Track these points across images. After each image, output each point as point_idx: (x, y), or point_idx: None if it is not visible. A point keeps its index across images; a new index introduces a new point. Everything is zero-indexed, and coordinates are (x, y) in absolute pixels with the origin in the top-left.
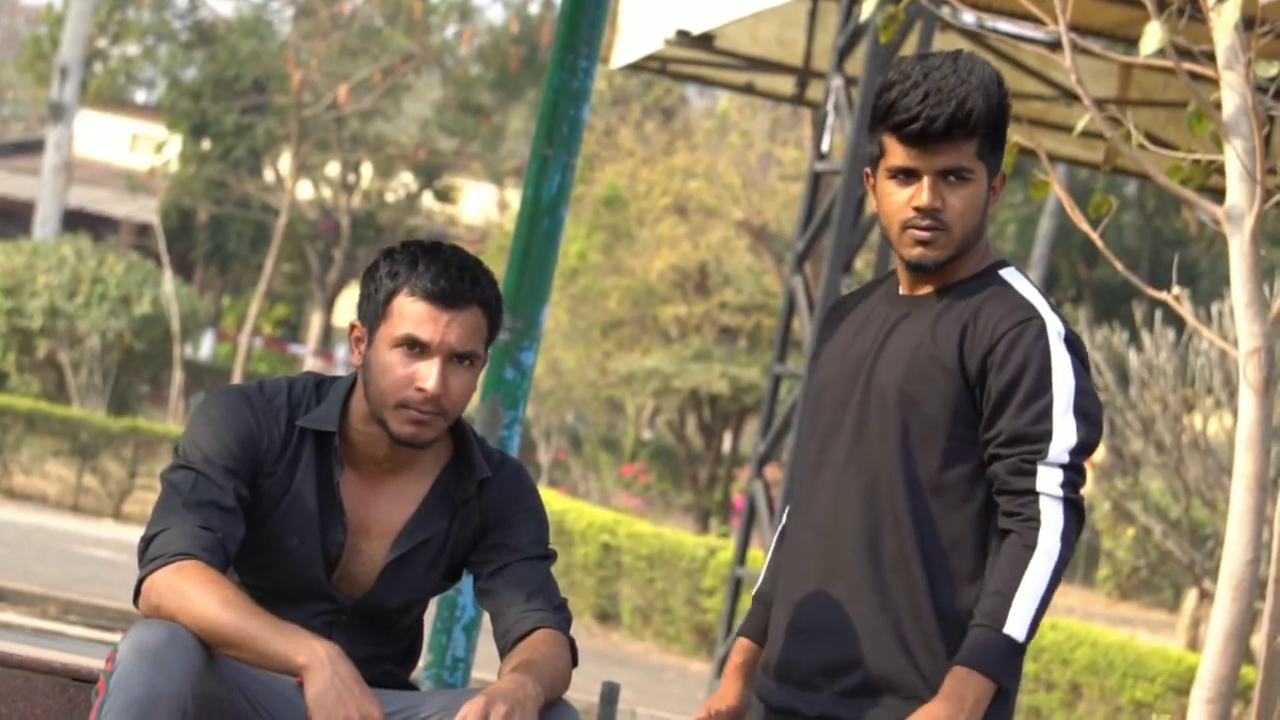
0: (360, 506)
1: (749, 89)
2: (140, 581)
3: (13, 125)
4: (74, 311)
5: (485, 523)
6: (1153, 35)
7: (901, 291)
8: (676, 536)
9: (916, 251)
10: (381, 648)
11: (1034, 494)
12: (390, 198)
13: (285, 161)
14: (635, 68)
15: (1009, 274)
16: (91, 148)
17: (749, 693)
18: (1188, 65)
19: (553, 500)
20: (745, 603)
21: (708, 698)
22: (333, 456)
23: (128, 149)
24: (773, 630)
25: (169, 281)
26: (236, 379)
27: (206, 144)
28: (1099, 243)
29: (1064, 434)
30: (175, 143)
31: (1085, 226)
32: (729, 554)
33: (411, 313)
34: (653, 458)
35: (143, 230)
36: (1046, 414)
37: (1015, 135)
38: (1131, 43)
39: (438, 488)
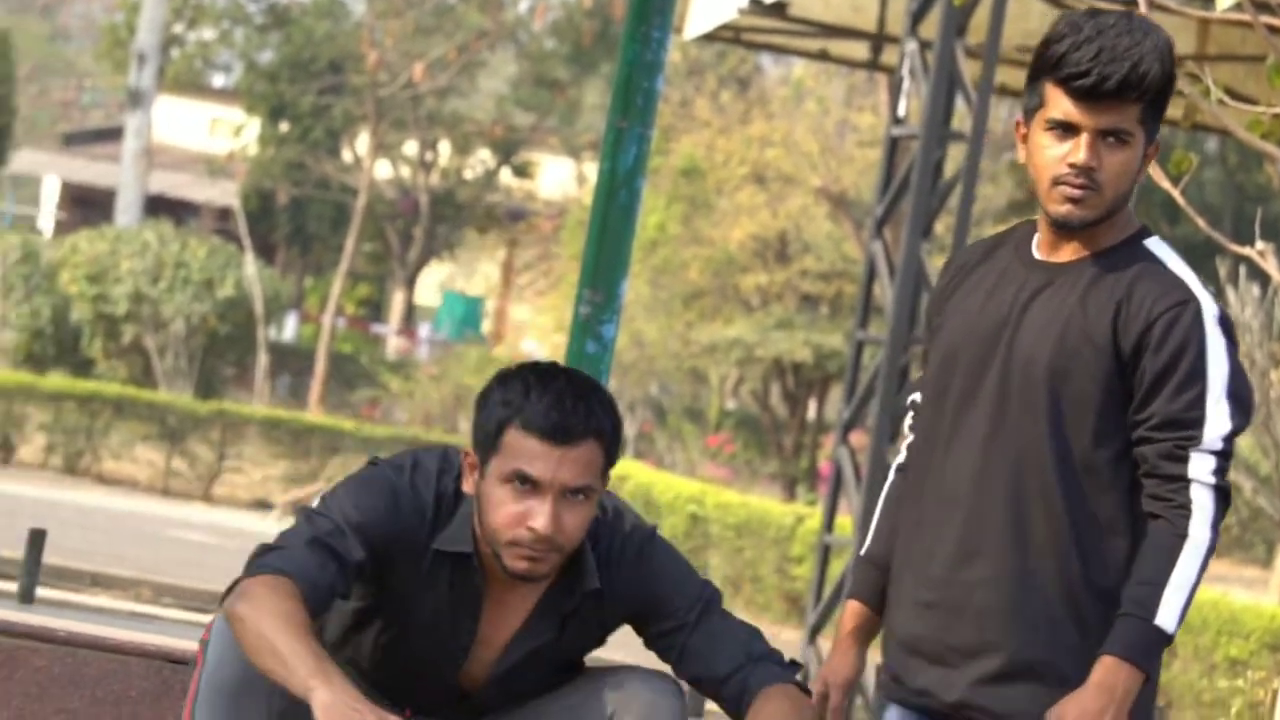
0: (489, 614)
1: (823, 56)
2: (237, 580)
3: (92, 113)
4: (158, 296)
5: (638, 612)
6: None
7: (1039, 255)
8: (763, 505)
9: (1065, 209)
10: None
11: (1186, 480)
12: (468, 175)
13: (363, 141)
14: (709, 38)
15: (1155, 245)
16: (170, 133)
17: (863, 657)
18: (1265, 19)
19: (639, 473)
20: (834, 569)
21: (800, 663)
22: (475, 577)
23: (206, 133)
24: (897, 601)
25: (251, 264)
26: (320, 360)
27: (284, 126)
28: (1180, 200)
29: (1217, 420)
30: (253, 126)
31: (1166, 184)
32: (816, 521)
33: (523, 448)
34: (737, 427)
35: (223, 214)
36: (1201, 400)
37: None
38: None
39: (546, 599)
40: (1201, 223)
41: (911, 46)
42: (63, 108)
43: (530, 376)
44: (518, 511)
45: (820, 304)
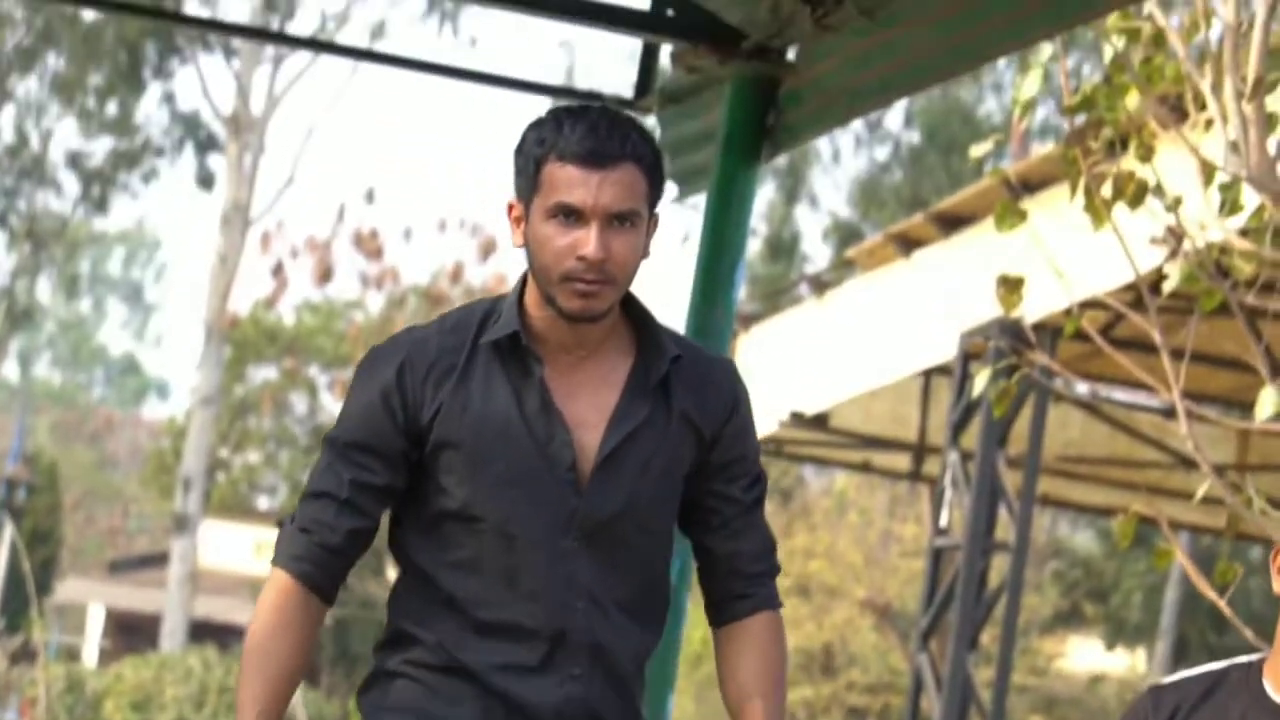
0: (568, 400)
1: (865, 467)
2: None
3: (138, 539)
4: None
5: (719, 432)
6: (1268, 400)
7: (1276, 696)
8: None
9: None
10: (624, 593)
11: None
12: None
13: None
14: None
15: None
16: (215, 557)
17: None
18: None
19: None
20: None
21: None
22: (527, 356)
23: (251, 556)
24: None
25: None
26: None
27: None
28: (1226, 610)
29: None
30: None
31: (1211, 594)
32: None
33: (562, 178)
34: None
35: None
36: None
37: (1135, 504)
38: (1247, 408)
39: (633, 376)
40: (1248, 632)
41: (953, 457)
42: (109, 534)
43: (562, 112)
44: (566, 244)
45: (867, 717)
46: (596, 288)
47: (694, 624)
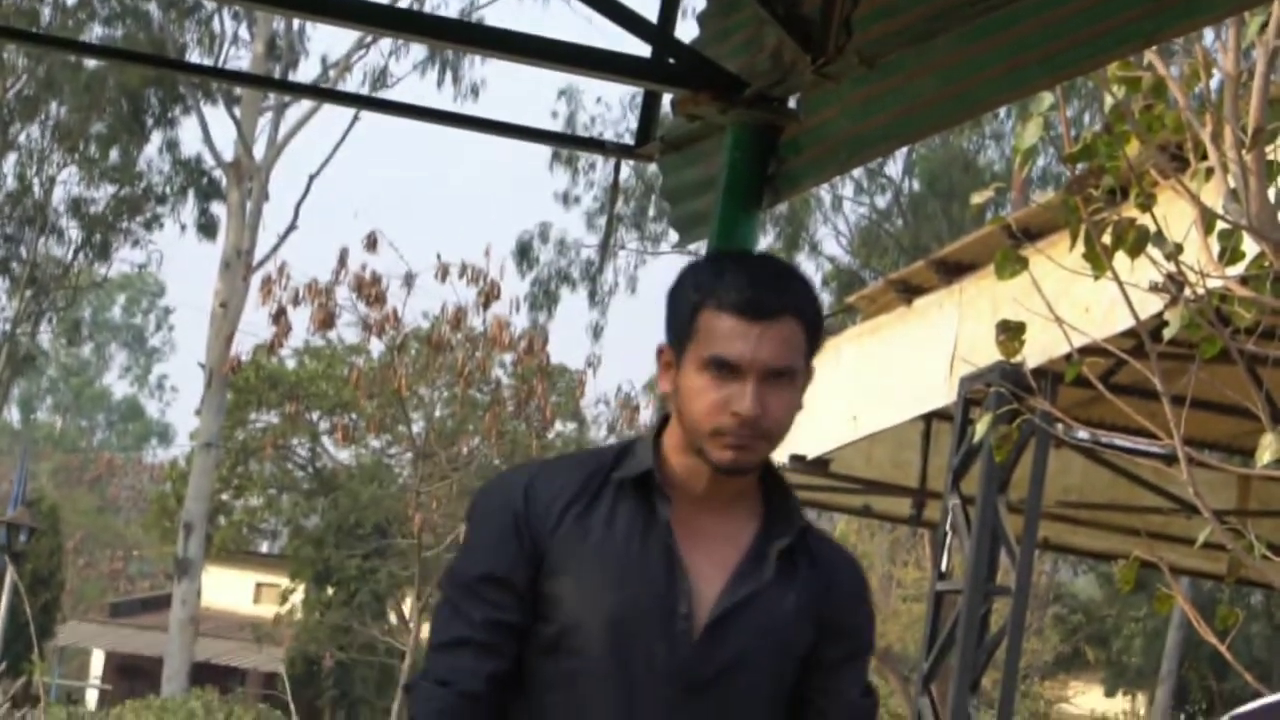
0: (691, 549)
1: (866, 512)
2: None
3: (139, 582)
4: None
5: (836, 624)
6: (1268, 446)
7: None
8: None
9: None
10: None
11: None
12: None
13: (409, 604)
14: None
15: None
16: (217, 599)
17: None
18: None
19: None
20: None
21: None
22: (656, 496)
23: (252, 599)
24: None
25: None
26: None
27: (330, 591)
28: (1227, 655)
29: None
30: (299, 591)
31: (1212, 639)
32: None
33: (719, 329)
34: None
35: (269, 679)
36: None
37: (1137, 549)
38: (1248, 454)
39: (759, 537)
40: (1249, 678)
41: (954, 502)
42: (110, 578)
43: (723, 258)
44: (720, 398)
45: None
46: (749, 442)
47: None
